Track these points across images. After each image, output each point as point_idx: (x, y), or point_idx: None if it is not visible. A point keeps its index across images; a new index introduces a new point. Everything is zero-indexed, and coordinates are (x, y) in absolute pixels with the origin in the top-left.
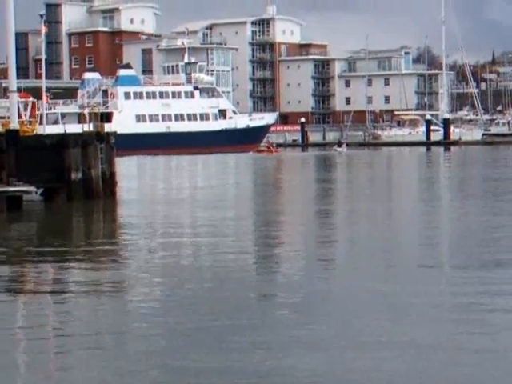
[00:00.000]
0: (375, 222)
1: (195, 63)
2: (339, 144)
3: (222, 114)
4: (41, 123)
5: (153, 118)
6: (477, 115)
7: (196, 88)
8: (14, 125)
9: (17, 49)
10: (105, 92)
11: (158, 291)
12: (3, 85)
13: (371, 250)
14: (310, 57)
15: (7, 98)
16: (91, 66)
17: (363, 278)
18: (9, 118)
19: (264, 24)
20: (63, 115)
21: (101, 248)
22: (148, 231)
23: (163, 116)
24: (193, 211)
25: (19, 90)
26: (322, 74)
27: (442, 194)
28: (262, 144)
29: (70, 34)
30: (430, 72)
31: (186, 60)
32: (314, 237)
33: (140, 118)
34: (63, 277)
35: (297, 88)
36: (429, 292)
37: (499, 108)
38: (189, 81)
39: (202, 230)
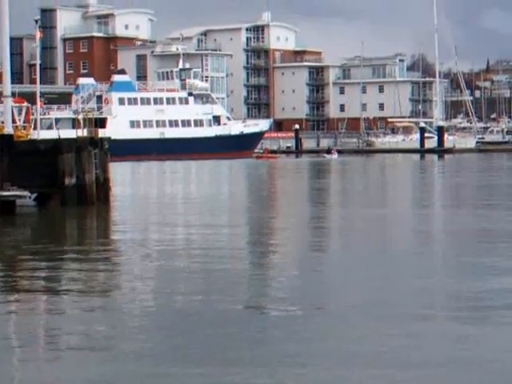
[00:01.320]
0: (367, 232)
1: (190, 69)
2: (328, 151)
3: (216, 120)
4: (35, 128)
5: (147, 123)
6: (471, 123)
7: (190, 94)
8: (8, 130)
9: (11, 54)
10: (99, 97)
11: (149, 299)
12: None
13: (364, 261)
14: (305, 63)
15: (1, 102)
16: (86, 71)
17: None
18: (3, 122)
19: (259, 30)
20: (57, 120)
21: (93, 253)
22: (141, 237)
23: (157, 122)
24: (186, 216)
25: (13, 94)
26: (317, 80)
27: (434, 202)
28: (256, 150)
29: (64, 40)
30: (424, 79)
31: (180, 66)
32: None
33: (134, 124)
34: (54, 282)
35: (291, 95)
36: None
37: (493, 116)
38: (183, 87)
39: (196, 236)
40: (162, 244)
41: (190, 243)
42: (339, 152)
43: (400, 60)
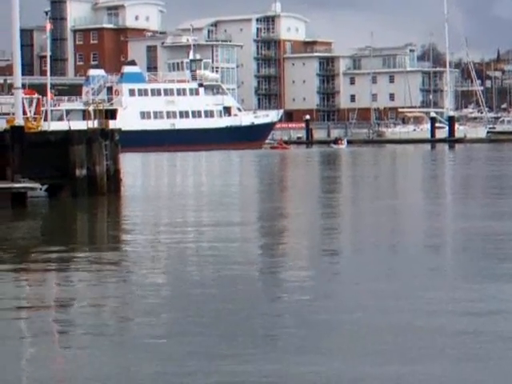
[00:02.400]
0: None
1: (200, 60)
2: (335, 141)
3: (227, 111)
4: (45, 120)
5: (157, 114)
6: (481, 113)
7: (201, 85)
8: (19, 121)
9: (22, 45)
10: (109, 89)
11: (161, 292)
12: (8, 81)
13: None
14: (315, 54)
15: (12, 94)
16: (96, 62)
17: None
18: (14, 114)
19: (269, 21)
20: (68, 112)
21: (104, 247)
22: (152, 230)
23: (168, 113)
24: (198, 209)
25: (24, 86)
26: (327, 71)
27: (446, 193)
28: (268, 141)
29: (74, 31)
30: (434, 69)
31: (190, 57)
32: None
33: (145, 115)
34: (65, 274)
35: (302, 85)
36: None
37: (504, 106)
38: (193, 78)
39: (207, 228)
40: (173, 239)
41: (200, 237)
42: (350, 142)
43: (410, 50)
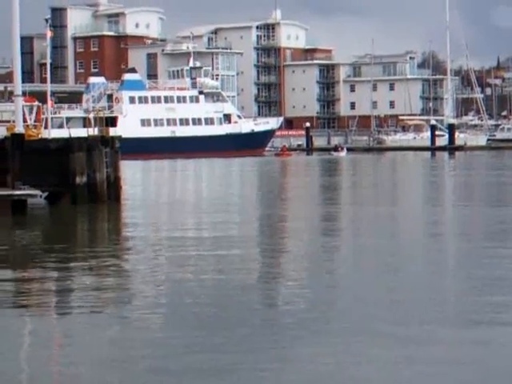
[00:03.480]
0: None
1: (200, 68)
2: (335, 149)
3: (227, 118)
4: (46, 127)
5: (158, 122)
6: (482, 120)
7: (201, 92)
8: (19, 129)
9: (22, 53)
10: (110, 96)
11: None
12: (8, 89)
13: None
14: (315, 61)
15: (12, 102)
16: (96, 70)
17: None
18: (14, 121)
19: (269, 28)
20: (68, 119)
21: (105, 255)
22: (152, 238)
23: (168, 120)
24: (197, 216)
25: (24, 94)
26: (327, 78)
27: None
28: (268, 148)
29: (75, 38)
30: (434, 77)
31: (190, 64)
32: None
33: (145, 123)
34: (65, 283)
35: (302, 93)
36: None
37: (504, 113)
38: (194, 85)
39: (207, 236)
40: (173, 243)
41: (201, 241)
42: (350, 150)
43: (410, 58)
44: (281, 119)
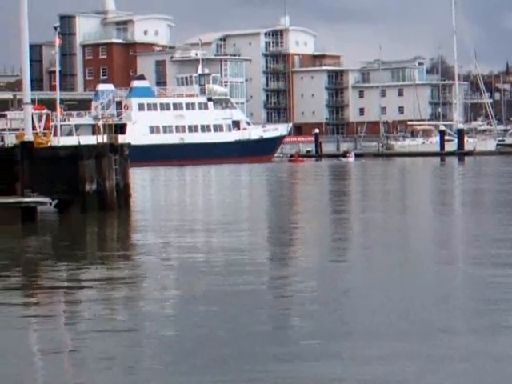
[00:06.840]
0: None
1: (209, 74)
2: (344, 155)
3: (236, 125)
4: (55, 135)
5: (167, 129)
6: (491, 125)
7: (210, 99)
8: (29, 136)
9: (31, 61)
10: (119, 103)
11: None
12: (17, 97)
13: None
14: (324, 68)
15: (21, 110)
16: (105, 77)
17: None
18: (23, 129)
19: (277, 35)
20: (77, 127)
21: (115, 263)
22: (163, 245)
23: (177, 127)
24: (207, 222)
25: (33, 101)
26: (336, 84)
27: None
28: (277, 154)
29: (84, 46)
30: (443, 82)
31: (199, 71)
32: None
33: (154, 130)
34: (75, 292)
35: (310, 99)
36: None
37: None
38: (202, 92)
39: (217, 242)
40: (183, 251)
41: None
42: (359, 156)
43: (419, 63)
44: (290, 125)
